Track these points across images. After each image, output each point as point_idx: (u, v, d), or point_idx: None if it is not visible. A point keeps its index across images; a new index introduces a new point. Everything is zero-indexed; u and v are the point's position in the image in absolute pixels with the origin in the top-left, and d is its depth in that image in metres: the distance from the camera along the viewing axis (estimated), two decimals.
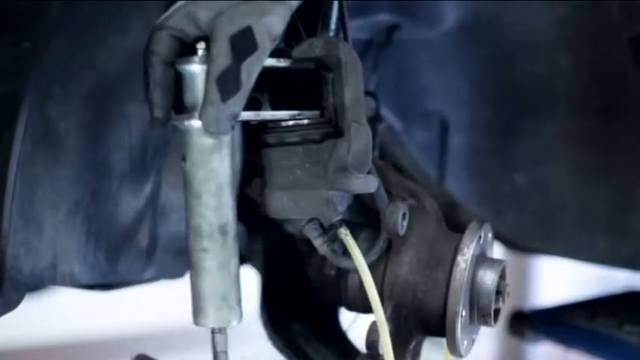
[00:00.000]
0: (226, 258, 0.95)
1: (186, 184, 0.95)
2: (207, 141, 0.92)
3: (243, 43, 0.86)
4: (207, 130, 0.89)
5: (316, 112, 0.99)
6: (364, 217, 1.06)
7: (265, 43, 0.87)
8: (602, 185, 1.47)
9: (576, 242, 1.52)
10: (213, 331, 0.98)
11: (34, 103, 1.03)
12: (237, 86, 0.86)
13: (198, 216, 0.94)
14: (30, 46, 1.03)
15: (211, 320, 0.96)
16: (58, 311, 2.71)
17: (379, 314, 0.99)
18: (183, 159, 0.95)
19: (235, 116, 0.89)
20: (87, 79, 1.10)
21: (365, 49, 1.33)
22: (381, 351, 1.00)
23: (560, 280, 2.86)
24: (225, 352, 0.98)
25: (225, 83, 0.86)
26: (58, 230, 1.11)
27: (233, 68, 0.86)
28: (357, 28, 1.21)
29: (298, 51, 0.97)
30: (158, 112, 0.92)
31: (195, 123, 0.90)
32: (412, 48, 1.45)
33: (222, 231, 0.94)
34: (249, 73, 0.87)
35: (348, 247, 1.02)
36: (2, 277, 1.03)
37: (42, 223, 1.09)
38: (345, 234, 1.02)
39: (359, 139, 0.95)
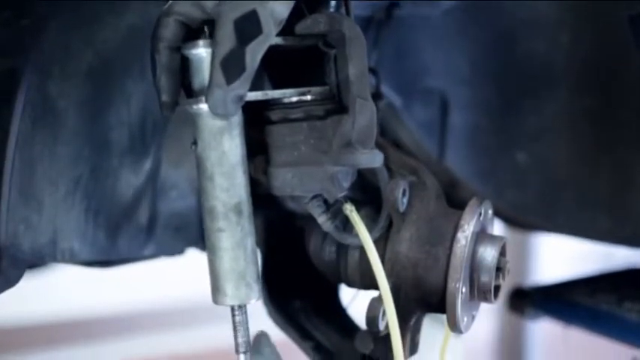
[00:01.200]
0: (242, 237, 0.96)
1: (199, 167, 0.96)
2: (218, 123, 0.93)
3: (248, 27, 0.86)
4: (214, 112, 0.90)
5: (325, 88, 0.99)
6: (364, 194, 1.06)
7: (270, 27, 0.87)
8: (602, 163, 1.47)
9: (576, 220, 1.52)
10: (232, 309, 0.99)
11: (33, 81, 1.03)
12: (242, 69, 0.87)
13: (213, 198, 0.96)
14: (29, 24, 1.03)
15: (230, 298, 0.97)
16: (59, 289, 2.72)
17: (385, 289, 0.99)
18: (194, 143, 0.96)
19: (241, 98, 0.90)
20: (86, 58, 1.10)
21: (365, 26, 1.33)
22: (381, 327, 1.00)
23: (560, 257, 2.87)
24: (246, 328, 0.99)
25: (230, 66, 0.87)
26: (58, 207, 1.11)
27: (238, 51, 0.86)
28: (357, 5, 1.20)
29: (301, 26, 0.96)
30: (166, 97, 0.93)
31: (204, 106, 0.91)
32: (412, 25, 1.44)
33: (237, 210, 0.96)
34: (254, 56, 0.87)
35: (354, 224, 1.02)
36: (2, 253, 1.03)
37: (42, 200, 1.09)
38: (350, 210, 1.02)
39: (363, 114, 0.95)
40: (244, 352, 0.99)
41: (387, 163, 1.04)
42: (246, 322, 1.00)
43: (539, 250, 2.53)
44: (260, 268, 1.01)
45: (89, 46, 1.10)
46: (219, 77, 0.87)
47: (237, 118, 0.95)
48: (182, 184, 1.33)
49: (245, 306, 0.99)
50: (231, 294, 0.97)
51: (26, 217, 1.07)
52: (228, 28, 0.87)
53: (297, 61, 1.01)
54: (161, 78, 0.92)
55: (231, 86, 0.87)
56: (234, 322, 0.99)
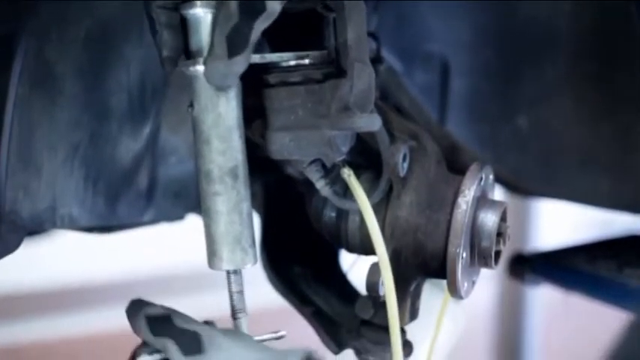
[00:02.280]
0: (238, 201, 0.96)
1: (195, 130, 0.95)
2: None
3: (256, 3, 0.86)
4: (210, 82, 0.90)
5: (323, 52, 0.98)
6: (364, 158, 1.05)
7: (275, 7, 0.86)
8: (603, 128, 1.47)
9: (577, 185, 1.51)
10: (228, 274, 0.99)
11: (30, 46, 1.02)
12: (245, 44, 0.86)
13: (209, 161, 0.95)
14: None
15: (226, 263, 0.97)
16: (58, 256, 2.72)
17: (383, 255, 0.99)
18: (191, 105, 0.95)
19: (239, 71, 0.89)
20: (84, 23, 1.09)
21: None
22: (381, 292, 1.00)
23: (560, 223, 2.87)
24: (241, 293, 0.99)
25: (235, 40, 0.86)
26: (57, 173, 1.11)
27: (244, 27, 0.86)
28: None
29: None
30: (167, 52, 0.93)
31: (201, 68, 0.90)
32: None
33: (233, 174, 0.95)
34: (258, 31, 0.87)
35: (352, 188, 1.01)
36: (1, 219, 1.03)
37: (40, 166, 1.08)
38: (348, 174, 1.01)
39: (362, 78, 0.94)
40: (240, 318, 0.99)
41: (387, 128, 1.03)
42: (241, 287, 0.99)
43: (539, 216, 2.53)
44: (259, 234, 1.01)
45: (87, 12, 1.09)
46: (221, 50, 0.87)
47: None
48: (181, 149, 1.33)
49: (241, 271, 0.99)
50: (227, 258, 0.97)
51: (25, 183, 1.06)
52: (233, 2, 0.86)
53: (296, 24, 1.00)
54: (163, 34, 0.92)
55: (233, 60, 0.87)
56: (229, 287, 0.99)
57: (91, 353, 3.06)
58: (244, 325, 0.99)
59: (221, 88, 0.93)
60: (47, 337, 3.15)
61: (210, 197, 0.96)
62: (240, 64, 0.88)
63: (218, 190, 0.95)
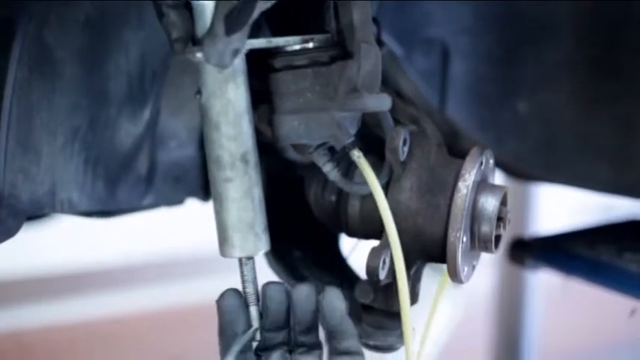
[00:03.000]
0: (249, 186, 0.96)
1: (204, 116, 0.95)
2: (222, 71, 0.92)
3: None
4: (208, 61, 0.89)
5: (327, 35, 0.98)
6: (365, 143, 1.05)
7: None
8: (604, 113, 1.46)
9: (578, 170, 1.51)
10: (240, 261, 0.98)
11: (29, 30, 1.02)
12: (243, 22, 0.86)
13: (219, 147, 0.95)
14: None
15: (238, 250, 0.97)
16: (59, 241, 2.72)
17: (393, 235, 0.99)
18: (199, 92, 0.95)
19: (238, 50, 0.89)
20: (84, 7, 1.09)
21: None
22: (381, 277, 1.00)
23: (560, 208, 2.87)
24: (255, 281, 0.99)
25: (233, 19, 0.86)
26: (57, 157, 1.11)
27: (244, 6, 0.86)
28: None
29: None
30: (177, 33, 0.91)
31: None
32: None
33: (244, 160, 0.95)
34: (258, 11, 0.87)
35: (362, 170, 1.01)
36: (0, 204, 1.03)
37: (40, 150, 1.08)
38: (358, 156, 1.01)
39: (369, 59, 0.95)
40: (254, 304, 0.99)
41: (389, 112, 1.03)
42: (254, 274, 0.99)
43: (539, 201, 2.53)
44: None
45: None
46: (219, 29, 0.87)
47: (241, 66, 0.95)
48: (181, 133, 1.32)
49: (253, 257, 0.99)
50: (240, 245, 0.97)
51: (25, 168, 1.06)
52: None
53: (296, 9, 1.00)
54: (170, 15, 0.90)
55: (230, 38, 0.87)
56: (242, 275, 0.99)
57: (92, 338, 3.06)
58: (257, 312, 0.99)
59: (228, 75, 0.92)
60: (48, 322, 3.16)
61: (221, 184, 0.96)
62: (237, 42, 0.88)
63: (230, 177, 0.95)
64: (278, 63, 0.99)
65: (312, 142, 1.00)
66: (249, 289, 0.99)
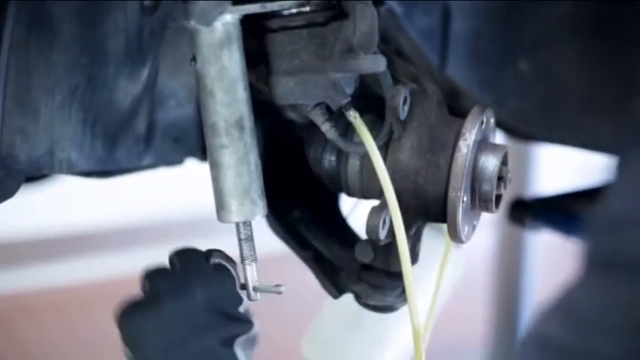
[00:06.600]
0: (245, 152, 0.97)
1: (198, 83, 0.96)
2: (216, 37, 0.93)
3: None
4: (191, 19, 0.90)
5: None
6: (365, 102, 1.05)
7: None
8: (606, 72, 1.46)
9: (579, 129, 1.51)
10: (237, 226, 0.99)
11: None
12: None
13: (214, 114, 0.96)
14: None
15: (235, 215, 0.99)
16: (58, 202, 2.72)
17: (391, 195, 0.99)
18: (194, 59, 0.95)
19: (222, 9, 0.90)
20: None
21: None
22: (381, 236, 1.00)
23: (561, 168, 2.86)
24: (251, 240, 1.01)
25: None
26: (55, 117, 1.11)
27: None
28: None
29: None
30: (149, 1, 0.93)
31: None
32: None
33: (239, 126, 0.96)
34: None
35: (358, 130, 1.01)
36: None
37: (38, 110, 1.08)
38: (354, 117, 1.01)
39: (364, 19, 0.94)
40: (249, 264, 1.00)
41: (389, 70, 1.03)
42: (251, 238, 1.00)
43: (540, 161, 2.52)
44: None
45: None
46: None
47: (235, 33, 0.95)
48: (180, 92, 1.32)
49: (250, 222, 1.00)
50: (236, 211, 0.98)
51: (22, 128, 1.06)
52: None
53: None
54: None
55: None
56: (239, 239, 1.01)
57: (92, 299, 3.07)
58: (254, 271, 1.00)
59: (222, 41, 0.93)
60: (48, 284, 3.16)
61: (217, 150, 0.97)
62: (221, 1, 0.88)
63: (225, 143, 0.96)
64: (274, 24, 0.99)
65: (308, 102, 1.01)
66: (246, 250, 1.00)
